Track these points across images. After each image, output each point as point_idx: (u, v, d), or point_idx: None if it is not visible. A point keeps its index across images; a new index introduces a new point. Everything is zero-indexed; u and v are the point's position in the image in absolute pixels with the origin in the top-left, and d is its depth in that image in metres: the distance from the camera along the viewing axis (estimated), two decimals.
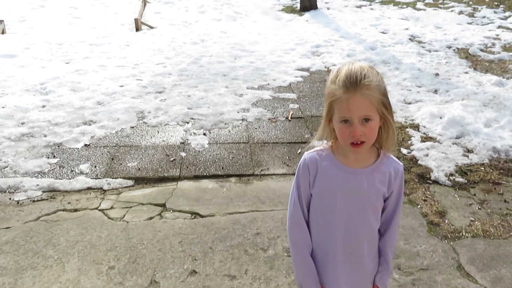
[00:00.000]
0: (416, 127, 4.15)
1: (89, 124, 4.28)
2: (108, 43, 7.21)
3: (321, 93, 5.09)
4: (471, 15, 9.16)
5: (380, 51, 6.59)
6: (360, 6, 10.43)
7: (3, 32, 7.74)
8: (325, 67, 6.01)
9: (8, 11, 9.79)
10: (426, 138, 3.93)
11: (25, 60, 6.29)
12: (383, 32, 7.82)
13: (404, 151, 3.73)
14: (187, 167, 3.53)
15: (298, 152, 3.75)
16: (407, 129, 4.10)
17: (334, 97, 1.28)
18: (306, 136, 4.03)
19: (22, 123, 4.29)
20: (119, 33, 8.01)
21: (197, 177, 3.42)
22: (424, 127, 4.13)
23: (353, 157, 1.37)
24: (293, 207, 1.47)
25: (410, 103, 4.70)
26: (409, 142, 3.87)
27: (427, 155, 3.63)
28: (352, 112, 1.25)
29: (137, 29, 8.22)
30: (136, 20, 8.37)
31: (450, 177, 3.33)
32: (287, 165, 3.55)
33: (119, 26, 8.69)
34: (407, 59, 6.17)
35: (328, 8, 10.21)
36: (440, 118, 4.21)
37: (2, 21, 7.97)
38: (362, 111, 1.26)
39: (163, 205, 3.05)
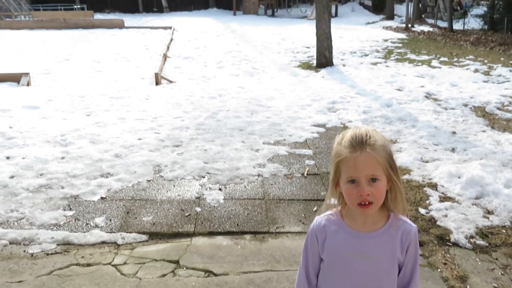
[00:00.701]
0: (434, 186, 4.10)
1: (106, 177, 4.32)
2: (128, 97, 7.40)
3: None
4: (486, 73, 9.24)
5: (396, 108, 6.63)
6: (375, 63, 10.62)
7: (28, 84, 8.01)
8: (341, 124, 6.05)
9: (34, 64, 10.18)
10: (444, 198, 3.86)
11: (47, 111, 6.47)
12: (398, 89, 7.90)
13: (422, 211, 3.66)
14: (202, 223, 3.51)
15: (314, 210, 3.71)
16: (425, 188, 4.04)
17: (340, 157, 1.31)
18: (322, 193, 4.00)
19: (41, 174, 4.34)
20: (139, 86, 8.23)
21: (211, 233, 3.39)
22: (442, 186, 4.07)
23: (362, 221, 1.36)
24: (298, 276, 1.50)
25: (427, 162, 4.66)
26: (427, 201, 3.81)
27: (446, 216, 3.56)
28: (359, 171, 1.27)
29: (157, 83, 8.44)
30: (156, 75, 8.62)
31: (471, 240, 3.25)
32: (303, 223, 3.51)
33: (139, 80, 8.94)
34: (424, 117, 6.19)
35: (344, 65, 10.41)
36: (459, 177, 4.16)
37: (28, 73, 8.28)
38: (369, 170, 1.27)
39: (177, 262, 3.01)
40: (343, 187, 1.32)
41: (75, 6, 27.72)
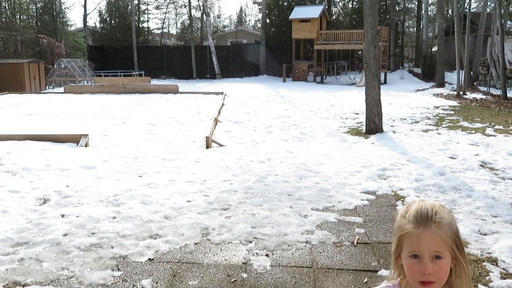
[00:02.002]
0: (494, 261, 3.86)
1: (155, 238, 4.36)
2: (180, 159, 7.58)
3: (388, 218, 4.94)
4: None
5: (449, 177, 6.42)
6: (426, 131, 10.45)
7: (86, 145, 8.40)
8: (392, 191, 5.90)
9: (93, 126, 10.72)
10: (506, 275, 3.61)
11: (102, 172, 6.71)
12: (452, 157, 7.69)
13: None
14: None
15: (364, 281, 3.55)
16: (484, 263, 3.81)
17: (403, 231, 1.28)
18: (373, 263, 3.85)
19: (93, 233, 4.44)
20: (190, 149, 8.45)
21: None
22: (503, 262, 3.82)
23: None
24: None
25: (485, 234, 4.42)
26: (487, 278, 3.57)
27: None
28: (422, 247, 1.23)
29: (207, 147, 8.64)
30: (207, 138, 8.84)
31: None
32: None
33: (191, 143, 9.19)
34: (480, 187, 5.95)
35: (394, 132, 10.31)
36: None
37: (87, 135, 8.70)
38: (433, 247, 1.23)
39: None
40: (405, 261, 1.28)
41: (134, 73, 29.38)
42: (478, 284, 3.47)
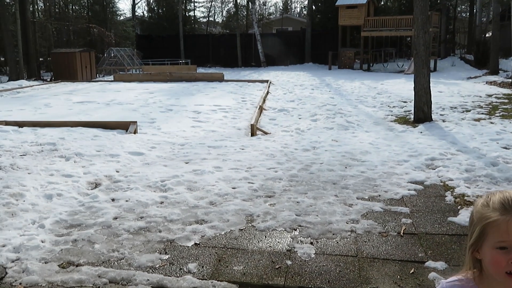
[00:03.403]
0: None
1: (201, 223, 4.45)
2: (225, 146, 7.67)
3: (437, 209, 4.82)
4: None
5: (502, 168, 6.17)
6: (478, 120, 10.08)
7: (135, 132, 8.63)
8: (441, 182, 5.74)
9: (141, 113, 10.99)
10: None
11: (150, 158, 6.89)
12: (505, 148, 7.38)
13: None
14: (292, 277, 3.45)
15: (410, 272, 3.49)
16: None
17: (489, 220, 1.20)
18: (419, 254, 3.77)
19: (141, 217, 4.58)
20: (235, 137, 8.52)
21: None
22: None
23: None
24: None
25: None
26: None
27: None
28: None
29: (252, 134, 8.69)
30: (252, 126, 8.88)
31: None
32: (399, 285, 3.31)
33: (235, 130, 9.26)
34: None
35: (443, 121, 10.00)
36: None
37: (135, 122, 8.94)
38: None
39: None
40: (489, 253, 1.20)
41: (180, 61, 29.83)
42: None
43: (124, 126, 8.83)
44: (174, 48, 33.13)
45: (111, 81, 21.41)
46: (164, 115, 11.03)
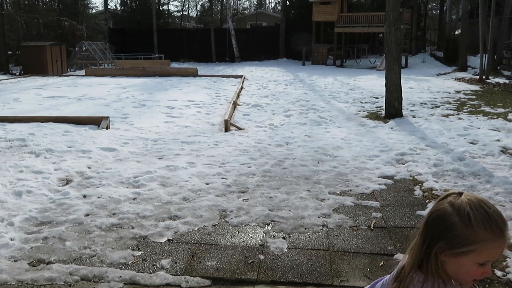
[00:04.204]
0: (511, 247, 3.84)
1: (174, 219, 4.45)
2: (198, 142, 7.66)
3: (406, 203, 4.94)
4: None
5: (469, 162, 6.36)
6: (447, 115, 10.32)
7: (107, 128, 8.53)
8: (410, 176, 5.88)
9: (114, 109, 10.86)
10: None
11: (123, 154, 6.83)
12: (472, 143, 7.60)
13: (498, 273, 3.44)
14: (265, 271, 3.50)
15: (380, 265, 3.58)
16: None
17: (486, 244, 1.17)
18: (389, 247, 3.87)
19: (114, 214, 4.55)
20: (209, 132, 8.52)
21: (274, 283, 3.36)
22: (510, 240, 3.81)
23: None
24: None
25: None
26: (504, 263, 3.57)
27: None
28: (499, 255, 1.21)
29: (226, 130, 8.69)
30: (225, 121, 8.89)
31: None
32: (368, 278, 3.39)
33: (209, 126, 9.26)
34: (500, 173, 5.88)
35: (413, 116, 10.21)
36: None
37: (108, 117, 8.84)
38: None
39: None
40: (467, 265, 1.20)
41: (154, 55, 29.50)
42: (495, 270, 3.47)
43: (96, 122, 8.72)
44: (148, 43, 32.77)
45: (83, 75, 21.05)
46: (137, 111, 10.93)
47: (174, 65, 26.50)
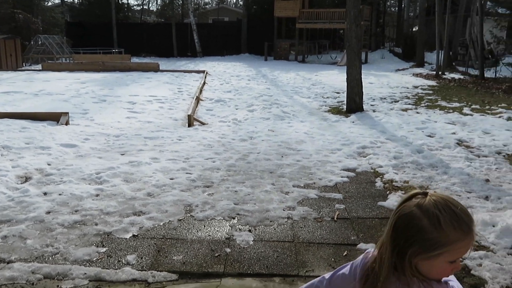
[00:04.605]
0: None
1: (139, 215, 4.41)
2: (162, 137, 7.60)
3: (368, 194, 5.07)
4: None
5: (427, 155, 6.58)
6: (406, 110, 10.62)
7: (67, 124, 8.33)
8: (371, 168, 6.03)
9: (73, 104, 10.60)
10: (478, 247, 3.78)
11: (84, 150, 6.69)
12: (429, 136, 7.86)
13: None
14: (232, 264, 3.52)
15: (344, 254, 3.68)
16: None
17: (457, 243, 1.20)
18: (352, 237, 3.97)
19: (76, 211, 4.47)
20: (172, 128, 8.45)
21: (241, 275, 3.39)
22: (476, 234, 3.97)
23: None
24: None
25: None
26: None
27: (480, 265, 3.47)
28: (467, 252, 1.23)
29: (190, 125, 8.65)
30: (189, 116, 8.84)
31: None
32: (333, 268, 3.46)
33: (172, 121, 9.18)
34: (456, 164, 6.12)
35: (374, 111, 10.45)
36: (493, 226, 4.07)
37: (67, 113, 8.62)
38: None
39: None
40: (439, 264, 1.22)
41: (114, 50, 28.91)
42: None
43: (55, 117, 8.49)
44: (107, 37, 32.05)
45: (39, 70, 20.39)
46: (98, 106, 10.70)
47: (135, 59, 26.07)
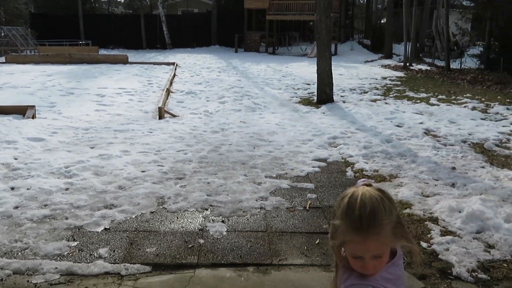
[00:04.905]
0: (435, 220, 4.13)
1: (110, 208, 4.36)
2: (132, 130, 7.50)
3: (339, 184, 5.15)
4: (484, 111, 9.39)
5: (396, 144, 6.72)
6: (375, 100, 10.79)
7: (33, 117, 8.12)
8: (342, 158, 6.12)
9: (40, 97, 10.34)
10: (446, 232, 3.90)
11: (52, 144, 6.56)
12: (398, 126, 8.02)
13: (424, 244, 3.69)
14: (205, 255, 3.53)
15: (316, 243, 3.73)
16: (426, 222, 4.08)
17: (347, 239, 1.27)
18: (324, 226, 4.03)
19: (45, 205, 4.38)
20: (142, 120, 8.36)
21: (215, 265, 3.40)
22: (443, 220, 4.11)
23: None
24: None
25: (428, 196, 4.71)
26: (429, 235, 3.84)
27: (447, 250, 3.58)
28: (364, 253, 1.26)
29: (160, 117, 8.57)
30: (159, 109, 8.75)
31: (472, 273, 3.27)
32: (306, 255, 3.53)
33: (143, 114, 9.08)
34: (423, 153, 6.27)
35: (344, 102, 10.58)
36: (459, 212, 4.20)
37: (33, 106, 8.41)
38: (374, 251, 1.26)
39: None
40: (348, 257, 1.31)
41: (80, 42, 28.29)
42: (421, 242, 3.73)
43: (21, 111, 8.26)
44: (73, 28, 31.26)
45: (3, 63, 19.77)
46: (65, 99, 10.47)
47: (103, 52, 25.56)
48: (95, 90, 11.72)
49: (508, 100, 10.60)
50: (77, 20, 31.51)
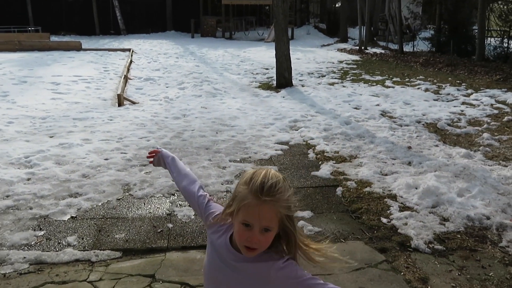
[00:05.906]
0: (393, 197, 4.35)
1: (75, 197, 4.33)
2: (92, 118, 7.39)
3: (301, 165, 5.30)
4: (436, 92, 9.79)
5: (354, 126, 6.93)
6: (332, 84, 11.02)
7: None
8: (304, 141, 6.28)
9: None
10: (404, 208, 4.11)
11: (8, 134, 6.38)
12: (356, 108, 8.26)
13: (384, 220, 3.89)
14: (175, 238, 3.59)
15: None
16: (386, 199, 4.28)
17: (245, 201, 1.31)
18: None
19: (7, 196, 4.30)
20: (102, 108, 8.23)
21: (185, 248, 3.47)
22: (401, 197, 4.33)
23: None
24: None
25: (386, 175, 4.93)
26: (388, 211, 4.04)
27: (406, 224, 3.79)
28: (256, 220, 1.30)
29: (120, 105, 8.46)
30: (118, 96, 8.63)
31: (429, 245, 3.48)
32: None
33: (101, 101, 8.92)
34: (381, 133, 6.51)
35: (303, 86, 10.75)
36: (416, 188, 4.43)
37: None
38: (266, 222, 1.30)
39: (152, 276, 3.08)
40: (236, 225, 1.35)
41: (30, 28, 27.23)
42: (381, 217, 3.93)
43: None
44: (21, 14, 29.98)
45: None
46: (18, 88, 10.12)
47: (54, 38, 24.68)
48: (49, 78, 11.38)
49: (458, 81, 11.08)
50: (25, 5, 30.22)
